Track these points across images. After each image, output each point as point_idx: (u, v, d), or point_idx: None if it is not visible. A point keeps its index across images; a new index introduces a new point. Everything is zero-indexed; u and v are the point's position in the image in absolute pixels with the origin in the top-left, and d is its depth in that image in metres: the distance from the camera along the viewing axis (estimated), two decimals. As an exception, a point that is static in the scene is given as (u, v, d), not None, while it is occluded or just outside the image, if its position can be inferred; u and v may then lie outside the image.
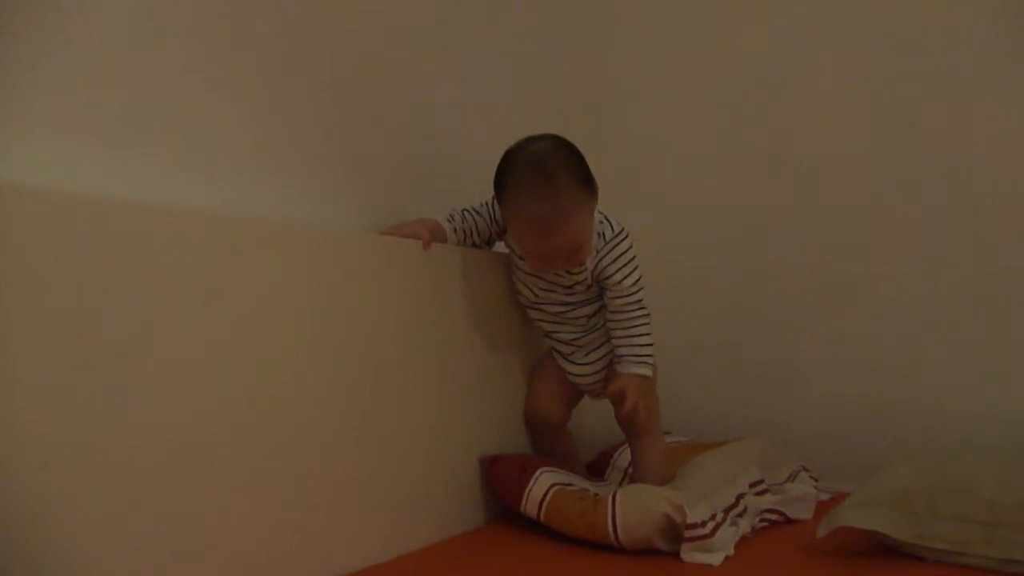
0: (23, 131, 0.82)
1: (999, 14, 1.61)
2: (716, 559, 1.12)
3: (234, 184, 1.05)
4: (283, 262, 1.00)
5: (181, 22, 0.98)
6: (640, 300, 1.35)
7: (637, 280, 1.34)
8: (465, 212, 1.35)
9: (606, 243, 1.32)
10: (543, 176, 1.20)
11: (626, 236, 1.34)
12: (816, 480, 1.55)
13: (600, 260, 1.32)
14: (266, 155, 1.10)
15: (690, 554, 1.14)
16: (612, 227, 1.33)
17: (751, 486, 1.36)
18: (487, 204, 1.36)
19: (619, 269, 1.32)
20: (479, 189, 1.38)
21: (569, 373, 1.46)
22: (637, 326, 1.35)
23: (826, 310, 1.77)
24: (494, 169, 1.28)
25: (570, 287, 1.36)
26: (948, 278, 1.65)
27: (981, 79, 1.62)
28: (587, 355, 1.43)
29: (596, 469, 1.57)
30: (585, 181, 1.25)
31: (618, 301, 1.34)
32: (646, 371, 1.35)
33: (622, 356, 1.36)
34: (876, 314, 1.72)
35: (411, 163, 1.35)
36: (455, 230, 1.32)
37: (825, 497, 1.49)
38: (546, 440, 1.49)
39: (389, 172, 1.31)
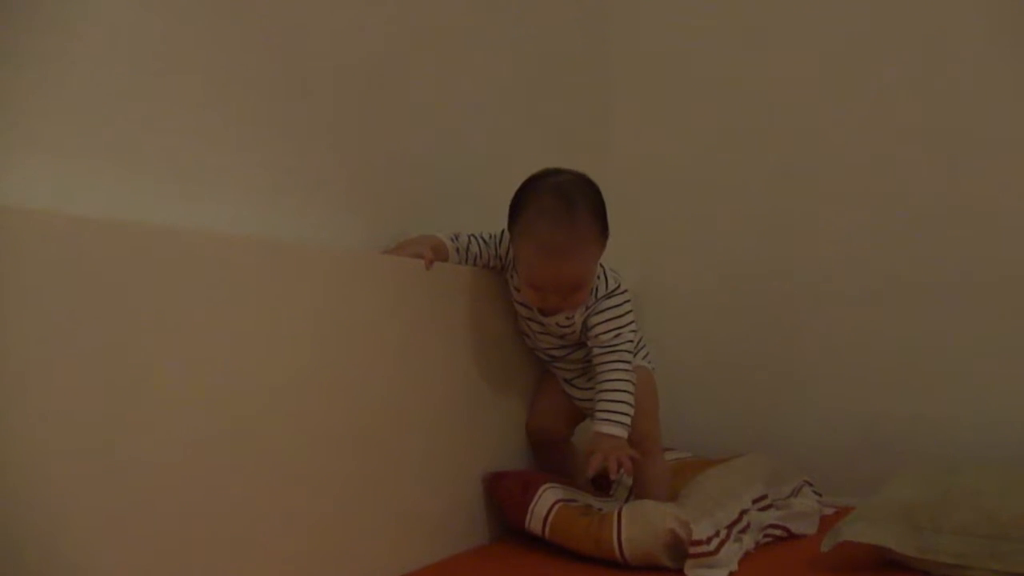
0: (28, 154, 0.83)
1: (1001, 21, 1.63)
2: (720, 575, 1.12)
3: (237, 204, 1.05)
4: (286, 281, 1.01)
5: (185, 44, 0.99)
6: (620, 353, 1.30)
7: (620, 334, 1.31)
8: (472, 237, 1.35)
9: (596, 300, 1.31)
10: (566, 204, 1.22)
11: (620, 294, 1.33)
12: (820, 495, 1.55)
13: (588, 316, 1.32)
14: (270, 175, 1.11)
15: (694, 570, 1.14)
16: (607, 284, 1.32)
17: (754, 502, 1.36)
18: (495, 236, 1.36)
19: (602, 323, 1.31)
20: (482, 209, 1.39)
21: (571, 396, 1.46)
22: (611, 380, 1.30)
23: (828, 325, 1.78)
24: (497, 189, 1.29)
25: (562, 336, 1.37)
26: (951, 291, 1.66)
27: (980, 90, 1.64)
28: (588, 380, 1.43)
29: (600, 485, 1.57)
30: (602, 221, 1.26)
31: (595, 350, 1.33)
32: (612, 429, 1.27)
33: (595, 411, 1.31)
34: (879, 328, 1.72)
35: (415, 183, 1.36)
36: (457, 250, 1.33)
37: (829, 512, 1.49)
38: (549, 455, 1.49)
39: (393, 192, 1.32)
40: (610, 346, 1.31)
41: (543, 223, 1.22)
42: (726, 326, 1.90)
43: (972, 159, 1.64)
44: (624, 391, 1.30)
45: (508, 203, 1.30)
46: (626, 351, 1.31)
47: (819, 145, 1.80)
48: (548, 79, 1.79)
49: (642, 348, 1.47)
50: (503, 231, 1.35)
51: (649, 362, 1.47)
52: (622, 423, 1.27)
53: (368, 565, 1.10)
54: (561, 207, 1.22)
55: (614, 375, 1.30)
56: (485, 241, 1.36)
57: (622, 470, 1.23)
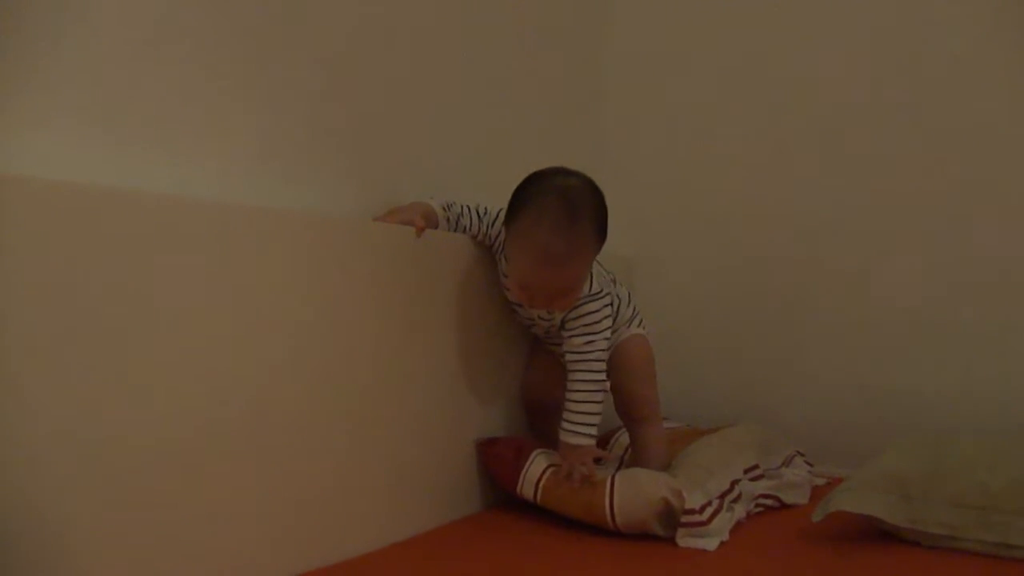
0: (23, 123, 0.82)
1: (1004, 11, 1.61)
2: (711, 544, 1.13)
3: (225, 170, 1.04)
4: (277, 249, 0.99)
5: (180, 12, 0.97)
6: (592, 361, 1.29)
7: (592, 342, 1.29)
8: (465, 208, 1.32)
9: (577, 300, 1.29)
10: (569, 212, 1.18)
11: (600, 298, 1.31)
12: (811, 465, 1.56)
13: (567, 315, 1.31)
14: (261, 142, 1.09)
15: (685, 539, 1.14)
16: (590, 287, 1.30)
17: (746, 471, 1.36)
18: (489, 213, 1.33)
19: (578, 328, 1.30)
20: (474, 177, 1.37)
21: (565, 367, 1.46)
22: (580, 391, 1.29)
23: (821, 297, 1.78)
24: (490, 155, 1.26)
25: (542, 326, 1.37)
26: (942, 264, 1.66)
27: (982, 75, 1.62)
28: None
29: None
30: (601, 231, 1.23)
31: (569, 356, 1.31)
32: (578, 440, 1.26)
33: (562, 421, 1.29)
34: (870, 300, 1.72)
35: (406, 150, 1.34)
36: (448, 219, 1.31)
37: (820, 482, 1.50)
38: (543, 422, 1.48)
39: (384, 159, 1.30)
40: (581, 354, 1.29)
41: (543, 229, 1.17)
42: (720, 297, 1.90)
43: (969, 136, 1.63)
44: (591, 402, 1.29)
45: (500, 170, 1.28)
46: (597, 359, 1.30)
47: (815, 120, 1.78)
48: (545, 46, 1.76)
49: (636, 316, 1.46)
50: (499, 211, 1.32)
51: (643, 328, 1.47)
52: (587, 433, 1.27)
53: (361, 534, 1.09)
54: (563, 214, 1.18)
55: (582, 386, 1.29)
56: (479, 216, 1.33)
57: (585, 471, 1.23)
